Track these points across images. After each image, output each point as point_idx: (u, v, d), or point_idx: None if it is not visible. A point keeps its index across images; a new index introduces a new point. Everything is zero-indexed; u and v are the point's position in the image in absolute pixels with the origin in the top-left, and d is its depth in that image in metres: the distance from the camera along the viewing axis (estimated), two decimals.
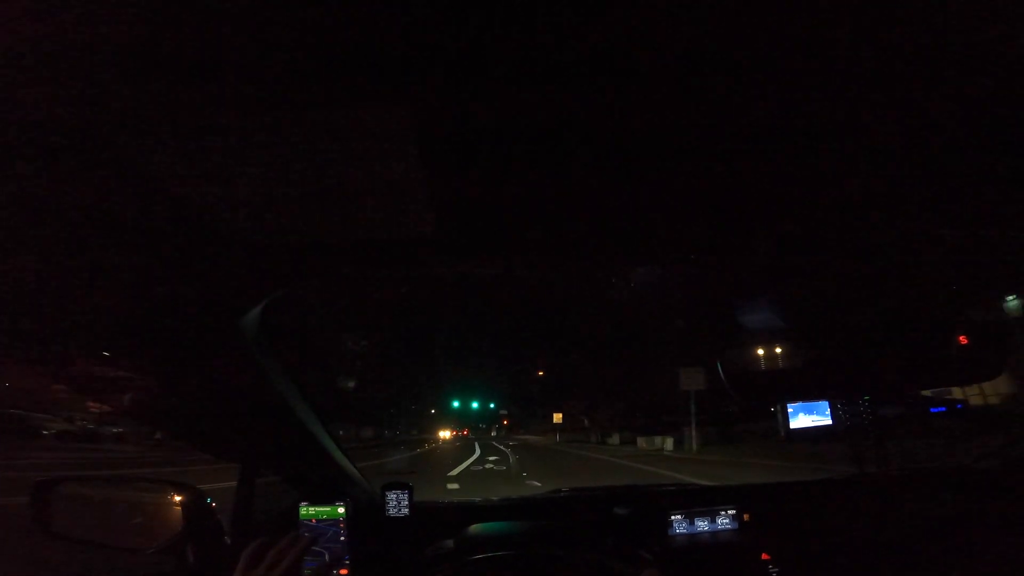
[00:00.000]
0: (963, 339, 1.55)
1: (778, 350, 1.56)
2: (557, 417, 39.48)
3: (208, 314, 1.32)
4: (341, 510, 1.89)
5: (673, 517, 2.10)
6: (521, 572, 1.84)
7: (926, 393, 2.12)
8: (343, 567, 1.86)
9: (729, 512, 2.11)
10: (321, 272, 1.35)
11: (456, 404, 49.63)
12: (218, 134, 0.83)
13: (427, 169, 0.92)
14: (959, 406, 1.94)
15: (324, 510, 1.91)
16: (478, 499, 2.59)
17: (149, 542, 1.84)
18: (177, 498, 1.82)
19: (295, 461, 1.99)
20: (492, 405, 55.90)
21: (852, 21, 0.69)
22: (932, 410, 1.92)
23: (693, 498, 2.28)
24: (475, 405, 51.47)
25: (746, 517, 2.11)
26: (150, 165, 0.87)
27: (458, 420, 55.22)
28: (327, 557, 1.84)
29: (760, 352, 1.58)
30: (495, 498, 2.55)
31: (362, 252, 1.25)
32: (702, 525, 2.10)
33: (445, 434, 46.85)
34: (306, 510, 1.92)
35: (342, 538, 1.88)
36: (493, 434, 53.61)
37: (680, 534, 2.09)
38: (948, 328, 1.57)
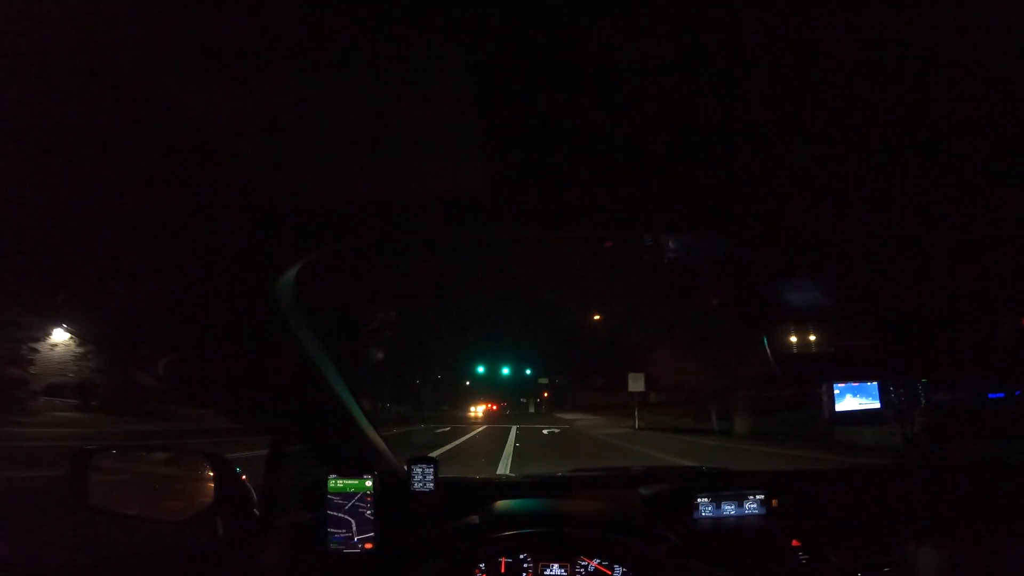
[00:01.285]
0: None
1: (828, 329, 1.48)
2: (635, 382, 20.80)
3: (243, 276, 1.26)
4: (369, 483, 1.93)
5: (699, 500, 2.07)
6: (545, 550, 1.83)
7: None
8: (368, 540, 1.89)
9: (757, 497, 2.07)
10: (363, 231, 1.26)
11: (483, 371, 40.46)
12: (257, 81, 0.77)
13: (482, 121, 0.86)
14: (1017, 392, 1.82)
15: (352, 483, 1.95)
16: (504, 476, 2.60)
17: (182, 514, 1.87)
18: (210, 471, 1.82)
19: (326, 433, 1.98)
20: (529, 372, 44.66)
21: None
22: (991, 396, 1.81)
23: (720, 482, 2.23)
24: (506, 371, 40.76)
25: (775, 503, 2.06)
26: (183, 113, 0.82)
27: (490, 393, 45.68)
28: (355, 528, 1.89)
29: (810, 330, 1.50)
30: (519, 475, 2.55)
31: (406, 209, 1.17)
32: (729, 509, 2.07)
33: (476, 410, 40.40)
34: (335, 483, 1.95)
35: (369, 512, 1.91)
36: (531, 410, 43.31)
37: (706, 517, 2.06)
38: (1011, 310, 1.46)
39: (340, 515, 1.94)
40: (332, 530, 1.93)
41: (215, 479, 1.81)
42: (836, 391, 1.84)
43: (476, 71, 0.77)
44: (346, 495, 1.94)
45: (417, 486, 2.08)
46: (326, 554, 1.89)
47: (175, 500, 1.98)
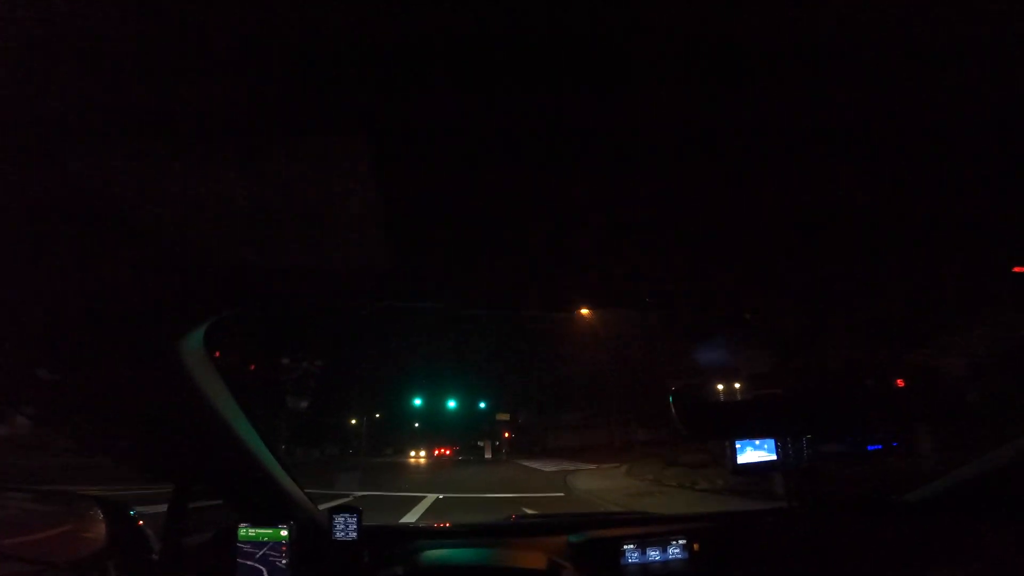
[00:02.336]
0: (900, 382, 1.62)
1: (730, 388, 1.61)
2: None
3: (146, 333, 1.28)
4: (284, 532, 1.89)
5: (625, 546, 2.12)
6: None
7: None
8: None
9: (680, 542, 2.15)
10: (268, 296, 1.31)
11: (420, 403, 32.35)
12: (170, 154, 0.80)
13: (385, 203, 0.91)
14: (895, 444, 2.04)
15: (266, 532, 1.91)
16: (434, 524, 2.56)
17: (70, 557, 1.76)
18: (101, 513, 1.75)
19: (235, 483, 1.95)
20: (483, 406, 35.05)
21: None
22: (869, 448, 2.01)
23: (645, 527, 2.30)
24: (452, 404, 32.21)
25: (696, 547, 2.15)
26: (96, 180, 0.83)
27: (437, 435, 37.83)
28: None
29: (712, 390, 1.62)
30: (450, 524, 2.52)
31: (314, 279, 1.22)
32: (653, 555, 2.13)
33: (418, 456, 34.15)
34: (246, 532, 1.91)
35: (284, 561, 1.87)
36: (488, 456, 32.64)
37: (633, 563, 2.11)
38: (887, 371, 1.65)
39: (251, 564, 1.88)
40: None
41: (107, 521, 1.73)
42: (737, 446, 1.99)
43: (378, 154, 0.82)
44: (257, 544, 1.89)
45: (339, 535, 2.05)
46: None
47: (64, 542, 1.85)
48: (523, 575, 1.95)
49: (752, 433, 1.87)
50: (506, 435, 35.10)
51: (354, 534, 2.04)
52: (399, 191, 0.89)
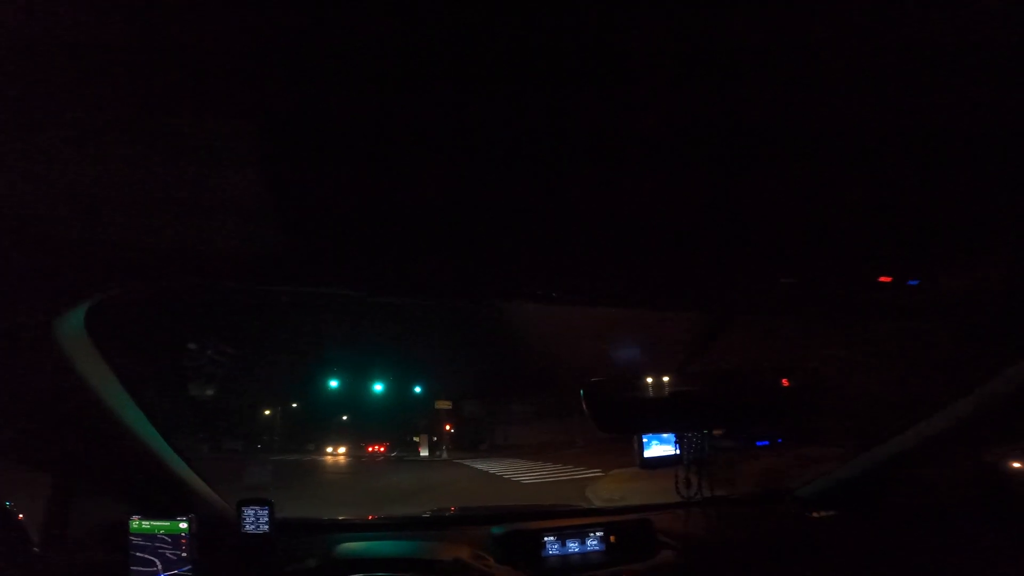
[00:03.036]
0: (785, 382, 1.80)
1: (637, 386, 1.72)
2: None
3: (18, 313, 1.19)
4: (183, 525, 1.82)
5: (546, 538, 2.19)
6: None
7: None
8: None
9: (597, 534, 2.25)
10: (149, 278, 1.23)
11: (337, 385, 21.54)
12: (46, 129, 0.76)
13: (273, 185, 0.90)
14: (780, 440, 2.25)
15: (162, 524, 1.83)
16: (355, 517, 2.51)
17: None
18: None
19: (125, 474, 1.84)
20: (418, 390, 26.14)
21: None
22: (758, 443, 2.21)
23: (565, 520, 2.37)
24: (379, 388, 21.65)
25: (612, 539, 2.25)
26: None
27: (365, 427, 29.90)
28: (168, 574, 1.78)
29: (621, 387, 1.73)
30: (372, 517, 2.49)
31: (197, 261, 1.17)
32: (573, 546, 2.21)
33: (337, 454, 28.97)
34: (139, 524, 1.82)
35: (183, 554, 1.81)
36: (425, 453, 27.53)
37: (553, 555, 2.18)
38: (774, 372, 1.82)
39: (145, 557, 1.81)
40: (137, 569, 1.79)
41: None
42: (644, 440, 2.13)
43: (263, 134, 0.81)
44: (151, 537, 1.82)
45: (249, 528, 1.98)
46: None
47: None
48: (443, 567, 1.97)
49: (656, 428, 2.01)
50: (447, 428, 28.08)
51: (265, 527, 1.98)
52: (288, 173, 0.88)
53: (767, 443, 2.22)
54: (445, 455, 24.94)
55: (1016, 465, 3.03)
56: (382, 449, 29.54)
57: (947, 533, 2.22)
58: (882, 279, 1.41)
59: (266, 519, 1.99)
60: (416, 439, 27.54)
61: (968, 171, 1.00)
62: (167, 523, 1.82)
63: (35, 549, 1.71)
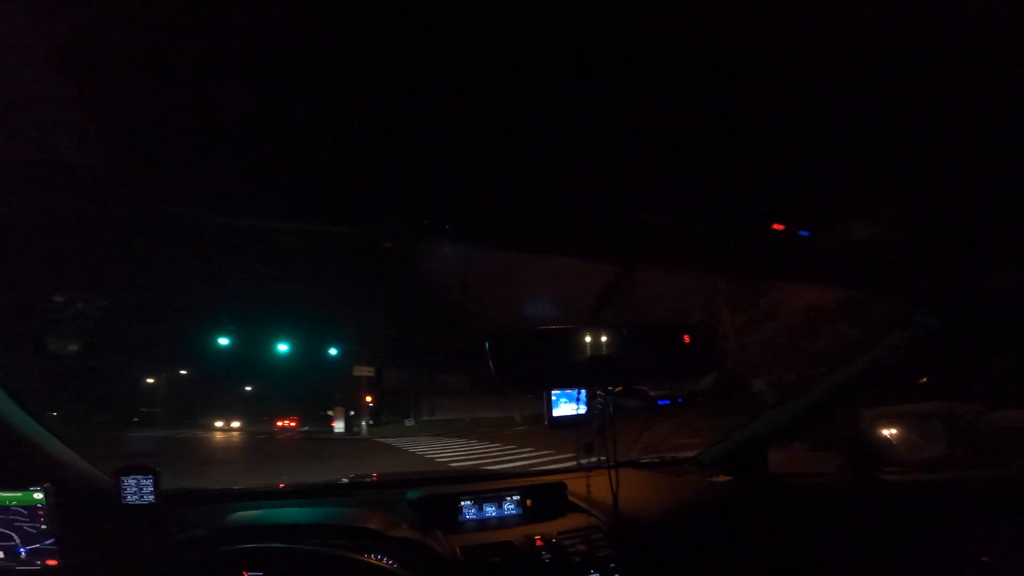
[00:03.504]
0: (687, 338, 1.85)
1: (545, 340, 1.70)
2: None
3: None
4: (38, 496, 1.69)
5: (463, 503, 2.16)
6: (283, 565, 1.68)
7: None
8: (50, 556, 1.68)
9: (514, 498, 2.24)
10: None
11: (228, 343, 15.19)
12: None
13: (72, 85, 0.75)
14: (680, 400, 2.34)
15: (12, 496, 1.69)
16: (258, 485, 2.33)
17: None
18: None
19: None
20: (334, 352, 21.40)
21: None
22: (660, 403, 2.28)
23: (481, 484, 2.36)
24: (283, 348, 17.28)
25: (529, 502, 2.24)
26: None
27: (270, 398, 25.25)
28: (26, 548, 1.67)
29: (528, 340, 1.70)
30: (281, 484, 2.33)
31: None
32: (490, 510, 2.19)
33: (228, 430, 23.22)
34: None
35: (43, 526, 1.68)
36: (340, 428, 23.09)
37: (470, 519, 2.16)
38: (677, 328, 1.87)
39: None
40: None
41: None
42: (553, 398, 2.13)
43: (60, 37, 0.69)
44: (3, 509, 1.69)
45: (131, 499, 1.84)
46: None
47: None
48: (349, 532, 1.85)
49: (562, 384, 2.01)
50: (367, 399, 23.10)
51: (151, 497, 1.84)
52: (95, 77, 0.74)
53: (668, 403, 2.29)
54: (365, 431, 22.00)
55: (888, 432, 3.40)
56: (292, 424, 25.12)
57: (824, 502, 2.43)
58: (775, 226, 1.47)
59: (150, 489, 1.84)
60: (330, 412, 23.66)
61: (871, 116, 1.03)
62: (19, 494, 1.69)
63: None
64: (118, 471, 1.85)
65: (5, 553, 1.69)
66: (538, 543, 1.99)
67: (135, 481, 1.84)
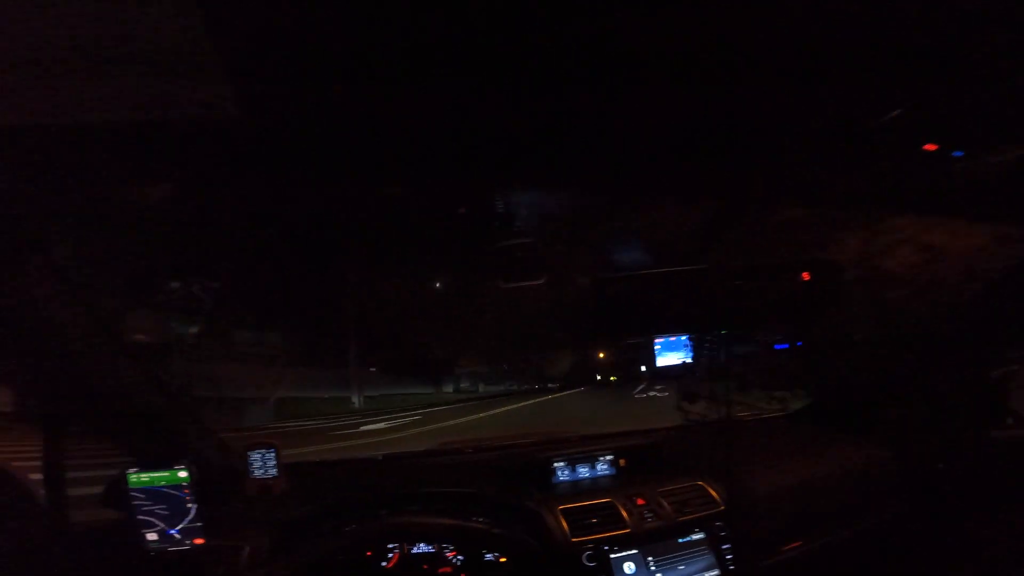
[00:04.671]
0: (806, 275, 1.68)
1: (651, 282, 1.61)
2: None
3: None
4: (183, 474, 1.72)
5: (556, 464, 2.16)
6: (398, 534, 1.81)
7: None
8: (197, 535, 1.71)
9: (607, 458, 2.22)
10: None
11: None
12: None
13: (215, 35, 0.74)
14: (799, 344, 2.16)
15: (161, 475, 1.72)
16: (361, 455, 2.49)
17: None
18: None
19: (114, 421, 1.72)
20: None
21: None
22: (776, 347, 2.12)
23: (574, 446, 2.35)
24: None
25: (622, 462, 2.22)
26: None
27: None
28: (176, 529, 1.70)
29: (634, 284, 1.62)
30: (379, 454, 2.47)
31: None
32: (583, 471, 2.18)
33: None
34: (137, 477, 1.72)
35: (189, 505, 1.72)
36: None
37: (563, 480, 2.17)
38: (793, 265, 1.70)
39: (152, 510, 1.72)
40: (145, 529, 1.71)
41: None
42: (657, 347, 2.04)
43: None
44: (154, 489, 1.73)
45: (258, 473, 1.91)
46: (146, 555, 1.70)
47: None
48: (455, 498, 1.93)
49: (668, 329, 1.91)
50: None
51: (274, 471, 1.91)
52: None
53: (786, 347, 2.12)
54: None
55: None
56: None
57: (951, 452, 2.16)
58: (927, 147, 1.27)
59: (273, 462, 1.91)
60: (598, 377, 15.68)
61: None
62: (166, 473, 1.71)
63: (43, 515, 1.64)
64: (247, 446, 1.91)
65: (159, 535, 1.72)
66: (639, 502, 1.96)
67: (260, 455, 1.91)
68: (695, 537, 1.88)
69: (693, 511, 1.94)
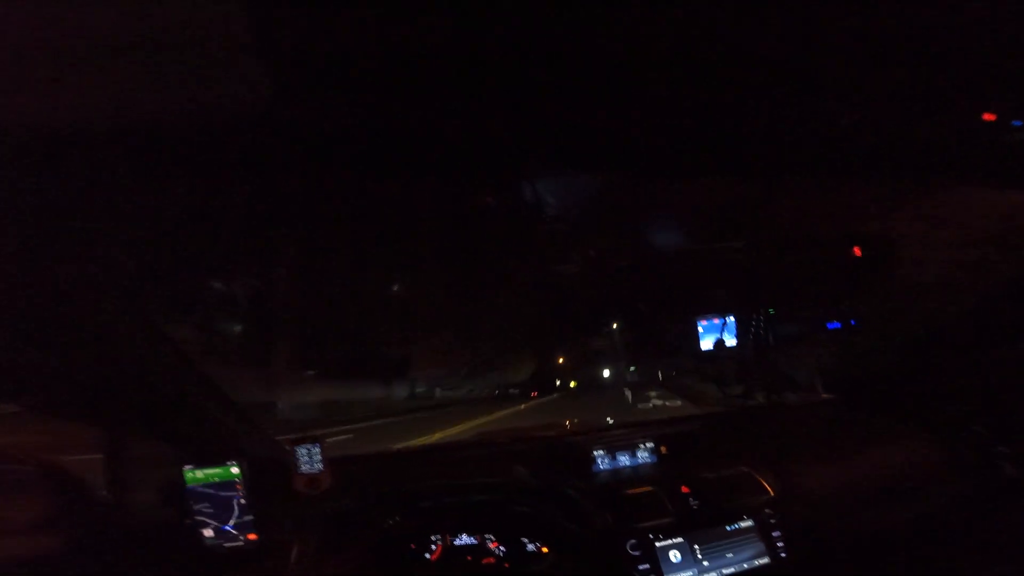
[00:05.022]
0: (857, 251, 1.59)
1: (689, 263, 1.55)
2: None
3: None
4: (235, 470, 1.75)
5: (596, 452, 2.13)
6: (455, 522, 1.83)
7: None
8: (250, 531, 1.73)
9: (648, 445, 2.17)
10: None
11: None
12: None
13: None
14: (853, 322, 2.04)
15: (215, 472, 1.76)
16: (398, 446, 2.51)
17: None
18: (35, 474, 1.58)
19: (167, 417, 1.74)
20: None
21: None
22: (829, 326, 2.01)
23: (614, 433, 2.31)
24: None
25: (663, 450, 2.17)
26: None
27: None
28: (230, 524, 1.73)
29: (671, 265, 1.56)
30: (415, 444, 2.49)
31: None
32: (623, 459, 2.14)
33: None
34: (192, 474, 1.76)
35: (242, 501, 1.75)
36: None
37: (604, 469, 2.13)
38: (844, 240, 1.61)
39: (207, 507, 1.76)
40: (202, 527, 1.75)
41: (47, 482, 1.57)
42: (700, 329, 1.97)
43: None
44: (209, 486, 1.76)
45: (304, 468, 1.91)
46: (204, 553, 1.74)
47: None
48: (498, 487, 1.93)
49: (712, 309, 1.84)
50: None
51: (320, 465, 1.91)
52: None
53: (839, 326, 2.01)
54: None
55: None
56: None
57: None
58: (985, 116, 1.17)
59: (319, 456, 1.92)
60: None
61: None
62: (219, 470, 1.74)
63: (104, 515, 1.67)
64: (293, 441, 1.91)
65: (215, 532, 1.73)
66: (684, 490, 1.91)
67: (307, 450, 1.90)
68: (743, 524, 1.82)
69: (740, 498, 1.89)
